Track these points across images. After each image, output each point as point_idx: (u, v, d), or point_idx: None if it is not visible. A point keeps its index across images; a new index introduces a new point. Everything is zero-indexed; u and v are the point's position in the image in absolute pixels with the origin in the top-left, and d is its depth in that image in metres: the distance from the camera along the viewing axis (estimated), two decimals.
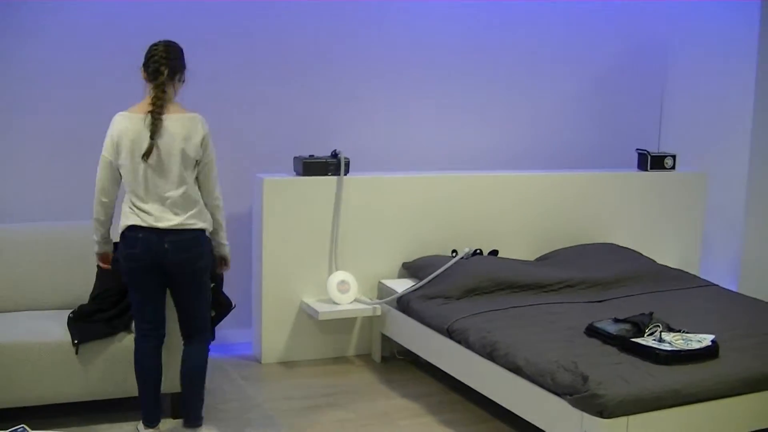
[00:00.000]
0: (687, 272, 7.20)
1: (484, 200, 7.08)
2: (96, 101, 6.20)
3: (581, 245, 7.34)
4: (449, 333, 5.69)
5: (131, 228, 4.81)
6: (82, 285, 5.58)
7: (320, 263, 6.59)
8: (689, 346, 5.00)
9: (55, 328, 5.25)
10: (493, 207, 7.12)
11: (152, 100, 4.75)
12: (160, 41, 4.85)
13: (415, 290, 6.32)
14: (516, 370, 5.03)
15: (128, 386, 5.18)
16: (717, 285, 6.95)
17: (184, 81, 4.96)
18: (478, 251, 6.87)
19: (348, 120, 7.05)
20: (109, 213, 4.94)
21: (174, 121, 4.78)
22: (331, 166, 6.54)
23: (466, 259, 6.60)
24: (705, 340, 5.10)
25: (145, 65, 4.81)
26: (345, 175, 6.57)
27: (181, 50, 4.91)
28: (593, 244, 7.40)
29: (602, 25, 8.00)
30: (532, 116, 7.82)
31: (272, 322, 6.52)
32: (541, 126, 7.87)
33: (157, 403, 5.05)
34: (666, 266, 7.21)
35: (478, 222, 7.06)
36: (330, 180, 6.54)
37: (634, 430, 4.50)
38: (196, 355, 5.06)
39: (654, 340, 5.08)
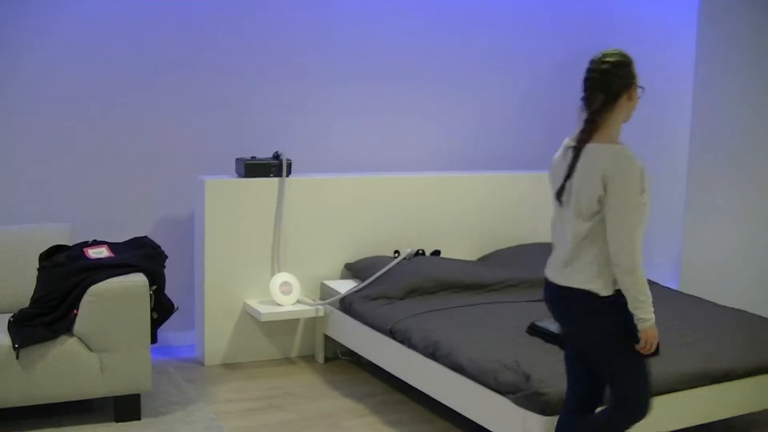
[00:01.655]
0: None
1: (427, 201, 7.11)
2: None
3: (522, 245, 7.39)
4: (392, 333, 5.71)
5: None
6: (22, 289, 5.52)
7: (263, 265, 6.58)
8: None
9: None
10: (435, 208, 7.15)
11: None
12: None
13: (358, 291, 6.33)
14: (459, 369, 5.05)
15: (69, 390, 5.15)
16: (657, 283, 7.01)
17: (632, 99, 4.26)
18: (420, 252, 6.90)
19: (290, 122, 7.04)
20: None
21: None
22: (273, 167, 6.54)
23: (408, 259, 6.62)
24: None
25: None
26: (287, 176, 6.57)
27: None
28: (534, 243, 7.44)
29: (546, 27, 8.05)
30: (475, 118, 7.85)
31: (215, 324, 6.50)
32: (483, 128, 7.90)
33: None
34: None
35: (420, 223, 7.09)
36: (272, 181, 6.54)
37: None
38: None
39: None
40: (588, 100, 4.08)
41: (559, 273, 4.10)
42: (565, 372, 4.34)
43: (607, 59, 4.06)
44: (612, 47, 4.12)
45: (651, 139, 8.55)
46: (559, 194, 4.09)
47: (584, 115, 4.09)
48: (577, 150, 4.06)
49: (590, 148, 4.03)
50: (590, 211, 3.97)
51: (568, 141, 4.19)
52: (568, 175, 4.05)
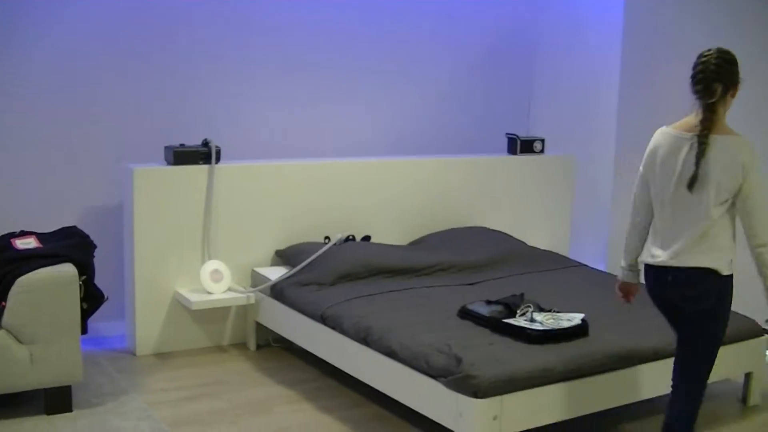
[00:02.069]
0: (557, 253, 7.36)
1: (356, 187, 7.12)
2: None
3: (452, 229, 7.43)
4: (323, 319, 5.72)
5: None
6: None
7: (193, 253, 6.55)
8: (560, 325, 5.12)
9: None
10: (365, 193, 7.16)
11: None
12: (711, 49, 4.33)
13: (289, 278, 6.33)
14: (390, 354, 5.08)
15: None
16: (586, 265, 7.12)
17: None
18: (350, 237, 6.91)
19: (219, 109, 7.00)
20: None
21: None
22: (202, 155, 6.50)
23: (339, 245, 6.63)
24: (575, 319, 5.23)
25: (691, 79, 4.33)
26: (216, 163, 6.54)
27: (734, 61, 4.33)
28: (464, 227, 7.49)
29: (473, 13, 8.10)
30: (403, 104, 7.87)
31: (146, 313, 6.46)
32: (412, 113, 7.93)
33: None
34: (536, 248, 7.36)
35: (351, 208, 7.10)
36: (201, 169, 6.50)
37: (508, 409, 4.60)
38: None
39: (525, 320, 5.19)
40: (706, 90, 4.25)
41: (686, 256, 4.33)
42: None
43: (723, 55, 4.28)
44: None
45: (579, 124, 8.64)
46: (692, 182, 4.26)
47: (700, 106, 4.28)
48: (702, 140, 4.24)
49: (719, 139, 4.25)
50: (727, 196, 4.25)
51: (678, 132, 4.40)
52: (697, 164, 4.24)
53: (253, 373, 6.18)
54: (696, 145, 4.25)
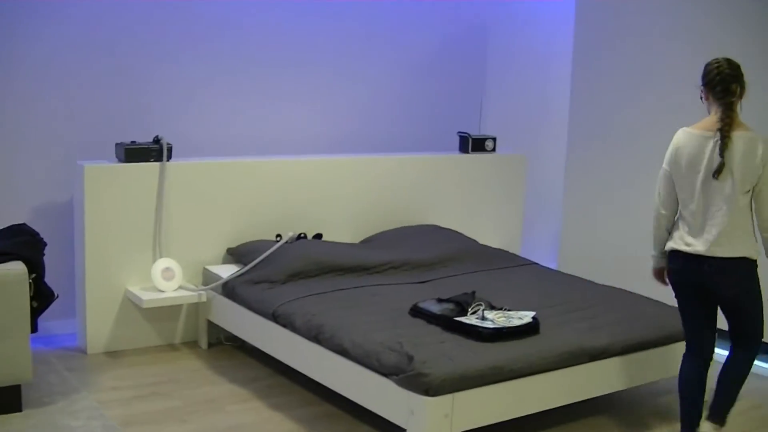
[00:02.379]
0: (508, 251, 7.40)
1: (308, 185, 7.12)
2: None
3: (404, 227, 7.45)
4: (275, 317, 5.72)
5: None
6: None
7: (144, 251, 6.52)
8: (511, 323, 5.15)
9: None
10: (317, 191, 7.16)
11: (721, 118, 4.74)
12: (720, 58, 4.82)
13: (240, 276, 6.32)
14: (342, 352, 5.09)
15: None
16: (537, 263, 7.16)
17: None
18: (302, 235, 6.91)
19: (171, 106, 6.98)
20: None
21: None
22: (153, 152, 6.47)
23: (291, 243, 6.63)
24: (526, 317, 5.26)
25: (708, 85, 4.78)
26: (168, 161, 6.51)
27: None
28: (416, 226, 7.51)
29: (425, 11, 8.13)
30: (356, 102, 7.89)
31: (97, 311, 6.42)
32: (367, 111, 7.95)
33: None
34: (488, 246, 7.39)
35: (302, 206, 7.10)
36: (152, 166, 6.47)
37: (460, 407, 4.62)
38: (742, 362, 4.99)
39: (477, 318, 5.22)
40: (726, 91, 4.70)
41: (722, 246, 4.73)
42: (693, 337, 5.03)
43: (733, 61, 4.78)
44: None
45: (531, 123, 8.70)
46: (718, 171, 4.67)
47: (720, 106, 4.73)
48: (725, 135, 4.68)
49: (739, 134, 4.69)
50: (748, 187, 4.70)
51: (701, 131, 4.81)
52: (722, 156, 4.67)
53: (205, 372, 6.16)
54: (719, 141, 4.67)
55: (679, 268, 4.91)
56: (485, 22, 8.54)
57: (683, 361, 5.03)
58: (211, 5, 7.05)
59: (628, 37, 7.56)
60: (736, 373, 4.97)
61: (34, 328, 5.36)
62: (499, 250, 7.34)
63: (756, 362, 5.14)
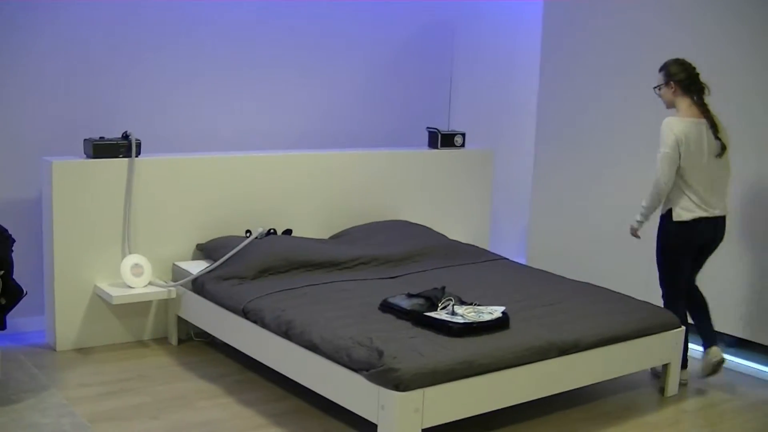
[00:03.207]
0: (477, 246, 7.41)
1: (277, 180, 7.12)
2: None
3: (374, 223, 7.46)
4: (245, 313, 5.71)
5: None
6: None
7: (113, 247, 6.50)
8: (481, 318, 5.16)
9: None
10: (287, 186, 7.16)
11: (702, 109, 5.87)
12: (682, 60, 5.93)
13: (210, 272, 6.31)
14: (312, 347, 5.09)
15: None
16: (506, 258, 7.18)
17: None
18: (271, 231, 6.91)
19: (139, 102, 6.97)
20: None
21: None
22: (122, 148, 6.45)
23: (260, 239, 6.62)
24: (496, 311, 5.27)
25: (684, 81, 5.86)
26: (136, 156, 6.49)
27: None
28: (385, 221, 7.52)
29: (393, 8, 8.13)
30: (327, 98, 7.91)
31: (66, 308, 6.40)
32: (335, 107, 7.97)
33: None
34: (457, 241, 7.40)
35: (272, 202, 7.10)
36: (121, 162, 6.45)
37: (430, 402, 4.63)
38: (700, 291, 6.24)
39: (447, 313, 5.22)
40: (700, 85, 5.87)
41: (718, 208, 5.95)
42: (678, 282, 6.07)
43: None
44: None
45: (499, 118, 8.72)
46: (722, 151, 5.86)
47: (697, 99, 5.87)
48: (713, 122, 5.85)
49: (711, 123, 5.86)
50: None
51: (692, 119, 5.83)
52: (717, 138, 5.85)
53: (175, 368, 6.15)
54: (710, 126, 5.83)
55: (697, 232, 5.91)
56: (453, 18, 8.56)
57: (678, 306, 6.02)
58: (176, 4, 7.03)
59: (595, 35, 7.61)
60: (704, 301, 6.21)
61: (2, 326, 5.35)
62: (469, 245, 7.36)
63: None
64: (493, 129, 8.82)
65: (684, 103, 5.86)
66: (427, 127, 8.10)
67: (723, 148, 5.83)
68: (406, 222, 7.56)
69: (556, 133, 8.01)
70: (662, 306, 6.05)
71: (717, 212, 5.91)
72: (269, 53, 7.53)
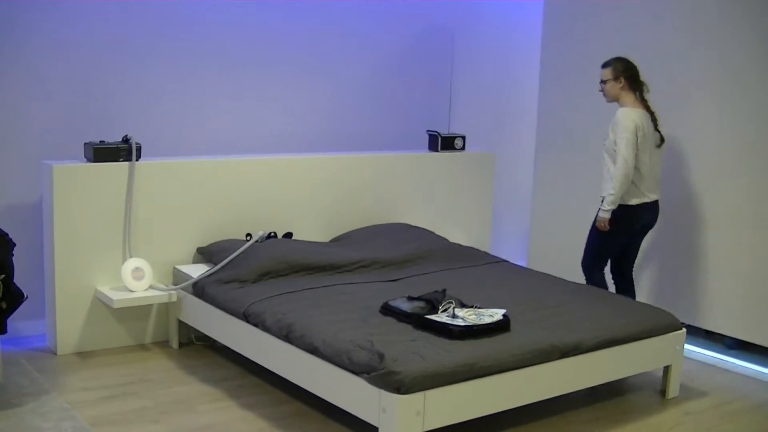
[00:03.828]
0: (478, 249, 7.40)
1: (278, 184, 7.12)
2: None
3: (374, 226, 7.46)
4: (245, 316, 5.71)
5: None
6: None
7: (114, 250, 6.50)
8: (481, 321, 5.16)
9: None
10: (287, 190, 7.16)
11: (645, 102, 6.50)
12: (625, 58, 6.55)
13: (210, 275, 6.31)
14: (313, 351, 5.09)
15: None
16: (507, 261, 7.18)
17: None
18: (272, 234, 6.91)
19: (140, 105, 6.97)
20: None
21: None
22: (122, 151, 6.45)
23: (261, 242, 6.62)
24: (496, 314, 5.27)
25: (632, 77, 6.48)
26: (137, 160, 6.49)
27: None
28: (386, 224, 7.52)
29: (394, 9, 8.14)
30: (327, 101, 7.91)
31: (67, 312, 6.40)
32: (336, 111, 7.97)
33: None
34: (458, 244, 7.40)
35: (273, 205, 7.10)
36: (122, 166, 6.45)
37: (431, 405, 4.63)
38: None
39: (447, 316, 5.22)
40: (643, 84, 6.50)
41: (655, 193, 6.56)
42: (605, 258, 6.75)
43: None
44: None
45: (500, 121, 8.71)
46: (662, 142, 6.54)
47: (641, 93, 6.51)
48: (653, 115, 6.49)
49: (653, 116, 6.50)
50: None
51: (642, 111, 6.44)
52: (657, 129, 6.51)
53: (176, 371, 6.15)
54: (651, 118, 6.45)
55: (642, 214, 6.53)
56: (453, 21, 8.56)
57: (598, 276, 6.68)
58: (178, 5, 7.03)
59: (595, 37, 7.60)
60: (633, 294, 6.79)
61: (3, 329, 5.34)
62: (470, 248, 7.36)
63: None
64: (493, 132, 8.82)
65: (629, 97, 6.48)
66: (428, 130, 8.10)
67: (662, 140, 6.52)
68: (407, 225, 7.56)
69: (556, 135, 8.00)
70: (584, 276, 6.77)
71: (654, 197, 6.54)
72: (270, 57, 7.53)
